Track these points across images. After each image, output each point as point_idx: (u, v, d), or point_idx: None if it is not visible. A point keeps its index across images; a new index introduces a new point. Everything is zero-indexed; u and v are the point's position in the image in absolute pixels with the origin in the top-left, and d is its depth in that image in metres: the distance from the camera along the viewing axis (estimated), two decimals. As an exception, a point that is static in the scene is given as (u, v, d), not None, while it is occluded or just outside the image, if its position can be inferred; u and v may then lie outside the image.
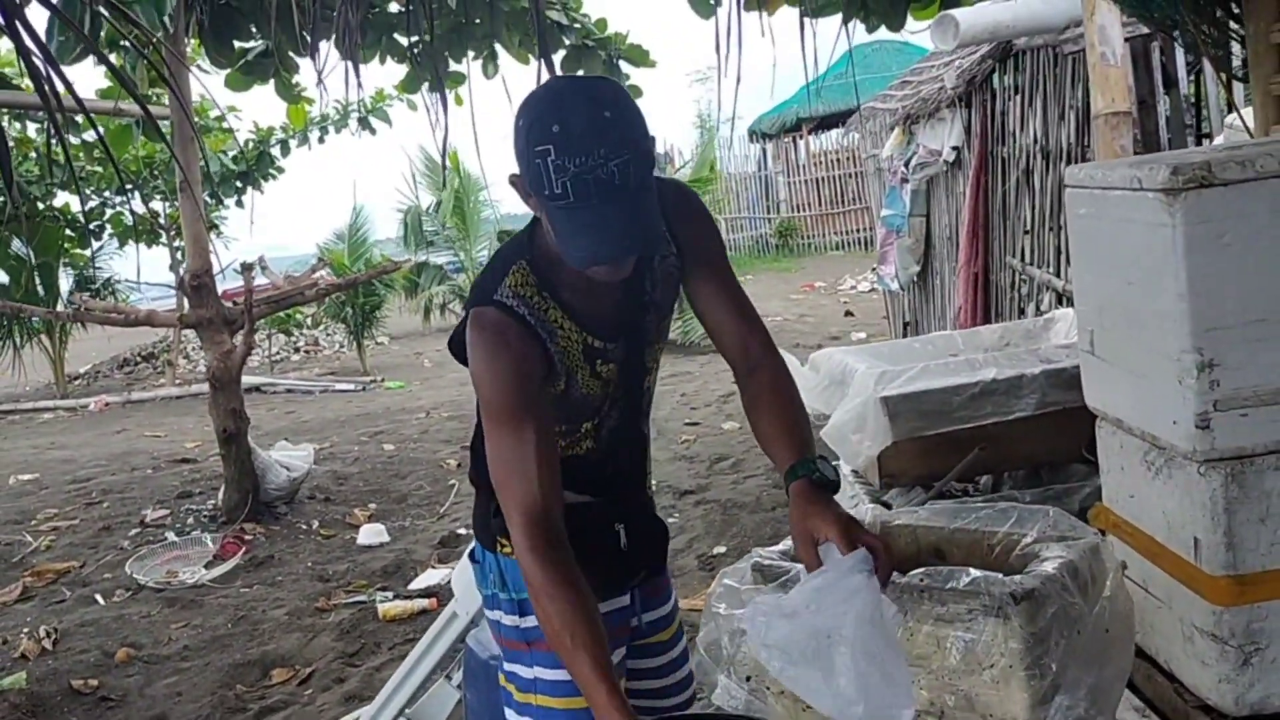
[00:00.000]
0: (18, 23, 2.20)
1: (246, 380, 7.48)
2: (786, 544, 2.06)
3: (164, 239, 12.61)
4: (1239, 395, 1.93)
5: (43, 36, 2.38)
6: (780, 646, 1.60)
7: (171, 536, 6.14)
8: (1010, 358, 3.41)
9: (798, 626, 1.58)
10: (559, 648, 1.65)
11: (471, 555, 2.04)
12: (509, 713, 1.99)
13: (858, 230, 19.05)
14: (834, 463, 1.75)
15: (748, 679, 2.04)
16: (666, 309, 1.92)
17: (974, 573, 1.80)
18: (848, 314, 12.65)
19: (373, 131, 9.02)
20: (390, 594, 5.03)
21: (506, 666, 1.98)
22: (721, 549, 5.10)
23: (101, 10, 3.19)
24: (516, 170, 1.65)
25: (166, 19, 3.75)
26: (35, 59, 2.28)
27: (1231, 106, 3.89)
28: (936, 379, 3.27)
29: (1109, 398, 2.27)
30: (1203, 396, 1.93)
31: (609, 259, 1.63)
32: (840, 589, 1.57)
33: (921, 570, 1.86)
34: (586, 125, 1.54)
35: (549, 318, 1.76)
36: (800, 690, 1.60)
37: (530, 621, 1.90)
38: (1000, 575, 1.80)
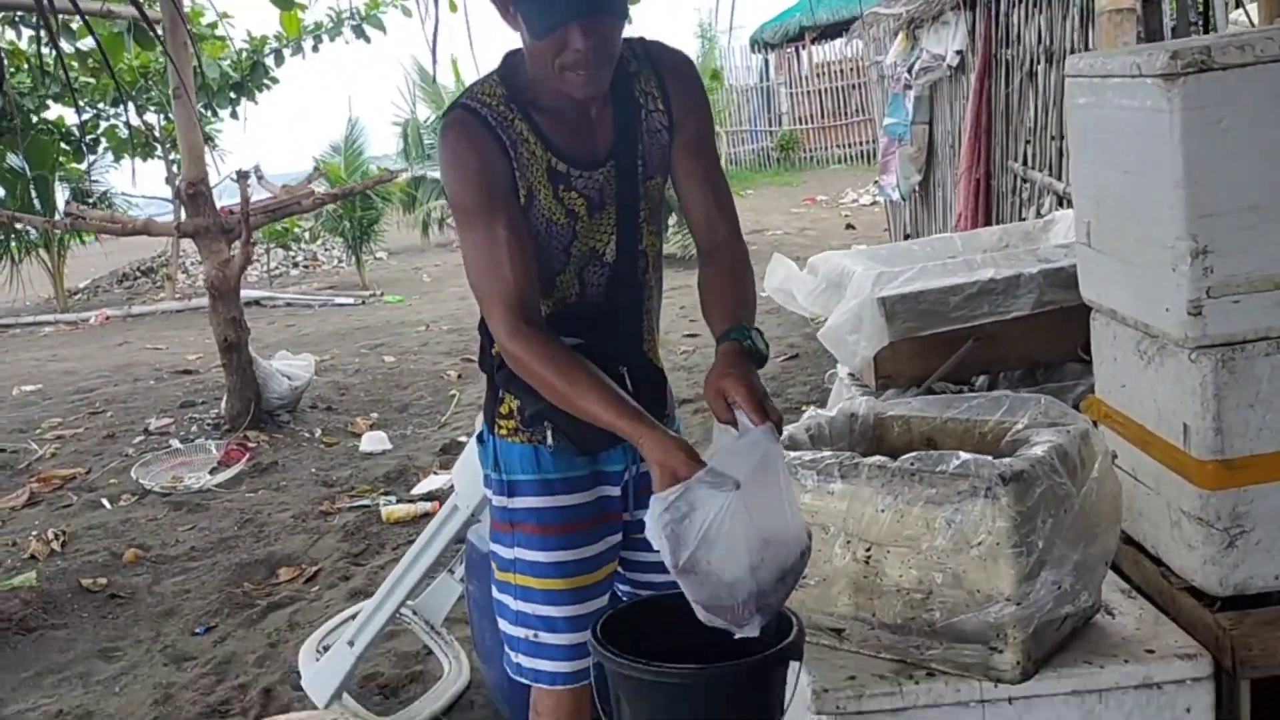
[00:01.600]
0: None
1: (245, 294, 7.48)
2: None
3: (159, 152, 12.49)
4: (1231, 282, 1.94)
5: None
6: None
7: (176, 444, 6.21)
8: (1008, 258, 3.41)
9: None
10: (569, 404, 1.71)
11: (479, 436, 2.09)
12: (492, 589, 2.06)
13: (860, 143, 18.84)
14: (766, 342, 1.79)
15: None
16: (657, 169, 1.91)
17: (964, 456, 1.84)
18: (849, 227, 12.59)
19: (367, 39, 8.88)
20: (393, 498, 5.10)
21: (490, 545, 2.04)
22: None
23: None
24: None
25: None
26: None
27: (1238, 2, 3.83)
28: (934, 279, 3.27)
29: (1104, 289, 2.28)
30: (1195, 284, 1.94)
31: (567, 16, 1.63)
32: (749, 449, 1.61)
33: (912, 454, 1.89)
34: None
35: (514, 129, 1.78)
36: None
37: (516, 503, 1.95)
38: (989, 458, 1.83)
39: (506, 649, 2.02)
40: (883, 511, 1.86)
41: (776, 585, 1.64)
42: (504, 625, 2.01)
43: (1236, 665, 1.95)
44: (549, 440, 1.88)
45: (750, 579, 1.60)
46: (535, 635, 1.95)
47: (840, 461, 1.94)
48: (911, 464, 1.86)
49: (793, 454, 1.97)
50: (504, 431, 1.95)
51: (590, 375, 1.71)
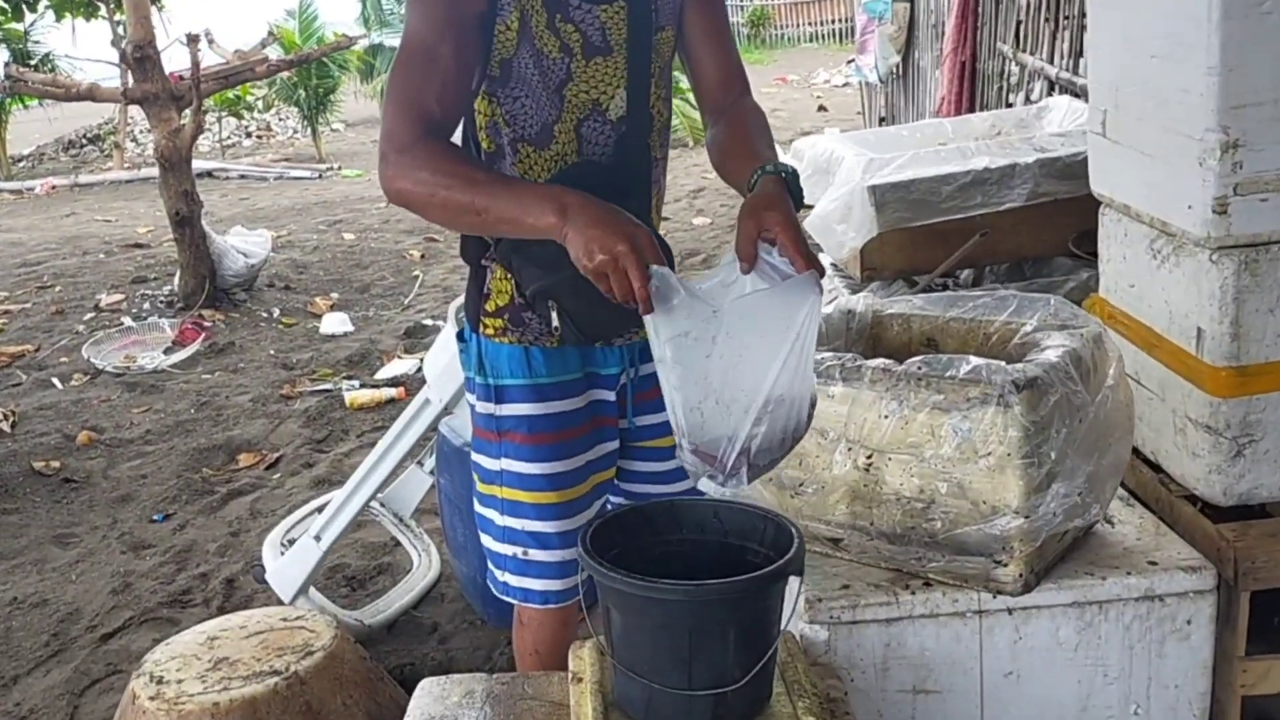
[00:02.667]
0: None
1: (198, 165, 7.19)
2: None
3: (104, 12, 11.88)
4: (1261, 179, 1.82)
5: None
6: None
7: (128, 322, 6.01)
8: (1003, 146, 3.26)
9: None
10: (482, 209, 1.48)
11: (459, 335, 1.93)
12: (474, 502, 1.94)
13: (833, 21, 18.37)
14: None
15: (733, 465, 1.99)
16: (669, 19, 1.74)
17: (974, 360, 1.73)
18: (821, 109, 12.34)
19: (323, -105, 8.37)
20: (356, 383, 4.97)
21: (473, 456, 1.90)
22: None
23: None
24: None
25: None
26: None
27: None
28: (927, 167, 3.13)
29: (1117, 183, 2.16)
30: (1223, 179, 1.82)
31: None
32: (791, 291, 1.45)
33: (919, 358, 1.79)
34: None
35: None
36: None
37: (505, 410, 1.81)
38: (1002, 363, 1.73)
39: (492, 567, 1.91)
40: (886, 417, 1.77)
41: (778, 445, 1.52)
42: (489, 542, 1.90)
43: (1238, 577, 1.90)
44: (553, 322, 1.64)
45: (747, 430, 1.48)
46: (525, 553, 1.84)
47: (842, 363, 1.84)
48: (918, 368, 1.76)
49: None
50: (491, 331, 1.79)
51: (479, 168, 1.52)
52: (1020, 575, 1.75)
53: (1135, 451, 2.22)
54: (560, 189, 1.48)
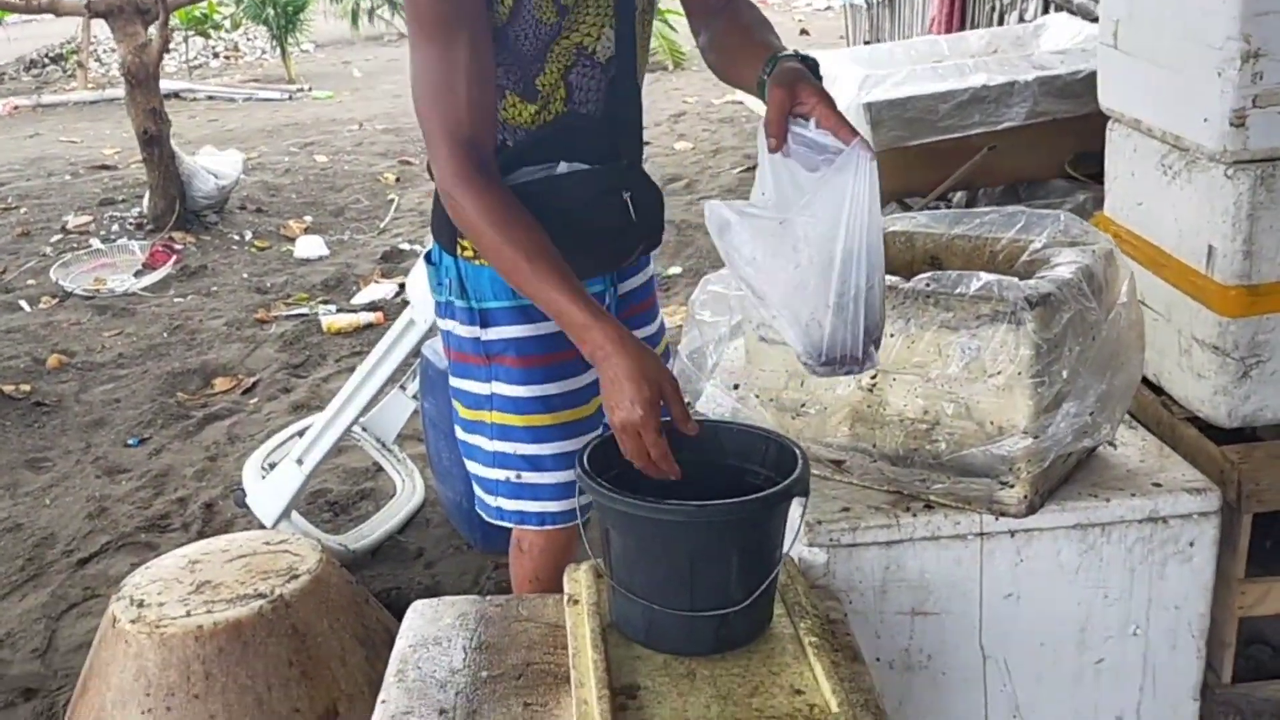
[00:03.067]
0: None
1: (165, 85, 6.97)
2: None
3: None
4: (1281, 91, 1.77)
5: None
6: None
7: (96, 244, 5.87)
8: (1001, 63, 3.18)
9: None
10: (517, 275, 1.48)
11: (428, 257, 1.85)
12: (457, 429, 1.88)
13: (814, -57, 17.98)
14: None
15: (735, 386, 1.94)
16: None
17: (985, 277, 1.68)
18: (803, 33, 12.12)
19: None
20: (333, 307, 4.88)
21: (454, 382, 1.83)
22: (677, 269, 4.99)
23: None
24: None
25: None
26: None
27: None
28: (924, 84, 3.05)
29: (1129, 96, 2.10)
30: (1242, 90, 1.77)
31: None
32: (847, 167, 1.38)
33: (927, 275, 1.73)
34: None
35: None
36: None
37: (492, 334, 1.74)
38: (1014, 279, 1.67)
39: (482, 494, 1.85)
40: (891, 336, 1.71)
41: (880, 310, 1.50)
42: (478, 469, 1.84)
43: (1241, 500, 1.89)
44: None
45: (863, 315, 1.45)
46: (518, 476, 1.78)
47: (845, 280, 1.77)
48: (926, 285, 1.70)
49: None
50: (471, 253, 1.70)
51: (547, 247, 1.47)
52: (1025, 497, 1.71)
53: (1136, 373, 2.19)
54: (601, 323, 1.44)
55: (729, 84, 1.70)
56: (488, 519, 1.88)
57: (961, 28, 5.27)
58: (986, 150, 2.89)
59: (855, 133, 1.38)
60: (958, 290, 1.67)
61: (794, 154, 1.43)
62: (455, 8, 1.46)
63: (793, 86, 1.42)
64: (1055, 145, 3.02)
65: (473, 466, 1.86)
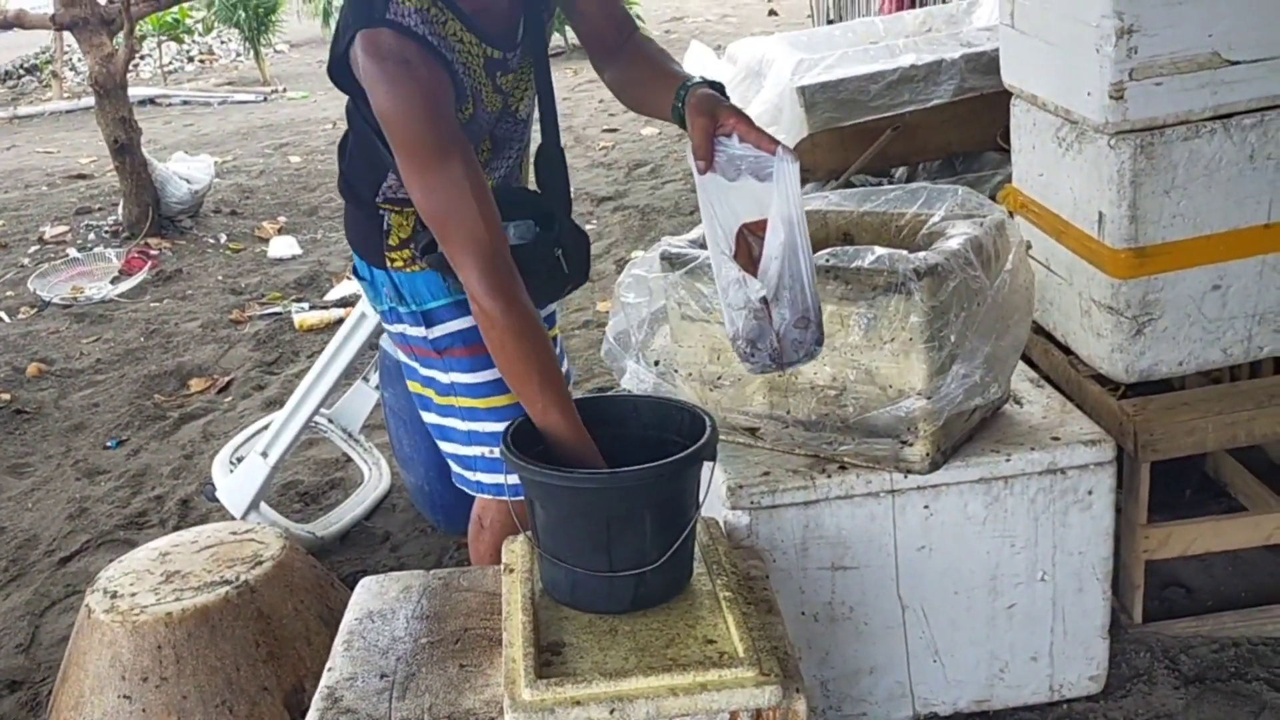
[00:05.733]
0: None
1: (139, 92, 7.06)
2: (695, 233, 2.02)
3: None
4: (1155, 63, 1.88)
5: None
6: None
7: (73, 253, 5.95)
8: (930, 43, 3.29)
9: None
10: (523, 385, 1.60)
11: (355, 273, 1.97)
12: (430, 415, 2.00)
13: (783, -78, 18.01)
14: None
15: (656, 363, 2.06)
16: (554, 4, 1.81)
17: (879, 251, 1.80)
18: (771, 13, 12.19)
19: None
20: (306, 305, 4.98)
21: (421, 373, 1.95)
22: (639, 253, 5.09)
23: None
24: None
25: None
26: None
27: None
28: (854, 66, 3.15)
29: (1025, 73, 2.21)
30: (1119, 65, 1.88)
31: None
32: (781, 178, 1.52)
33: (828, 250, 1.84)
34: None
35: (448, 31, 1.62)
36: None
37: (437, 331, 1.87)
38: (905, 253, 1.79)
39: (461, 470, 1.97)
40: (798, 309, 1.83)
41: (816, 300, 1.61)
42: (456, 449, 1.96)
43: (1138, 449, 2.00)
44: None
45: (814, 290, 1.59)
46: (490, 451, 1.90)
47: (755, 259, 1.89)
48: (826, 260, 1.82)
49: (705, 251, 1.92)
50: (400, 263, 1.83)
51: (555, 374, 1.60)
52: (927, 454, 1.83)
53: (1047, 335, 2.31)
54: (593, 448, 1.57)
55: (642, 114, 1.84)
56: (470, 493, 2.00)
57: (913, 3, 5.37)
58: (892, 130, 2.99)
59: (775, 142, 1.51)
60: (854, 264, 1.79)
61: (720, 168, 1.58)
62: (441, 132, 1.57)
63: (712, 112, 1.56)
64: (985, 119, 3.13)
65: (450, 447, 1.99)
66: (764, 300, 1.58)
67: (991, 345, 1.79)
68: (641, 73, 1.76)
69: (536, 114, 1.87)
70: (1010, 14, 2.21)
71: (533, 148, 1.92)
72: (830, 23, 8.04)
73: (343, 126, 1.83)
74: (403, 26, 1.57)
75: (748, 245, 1.59)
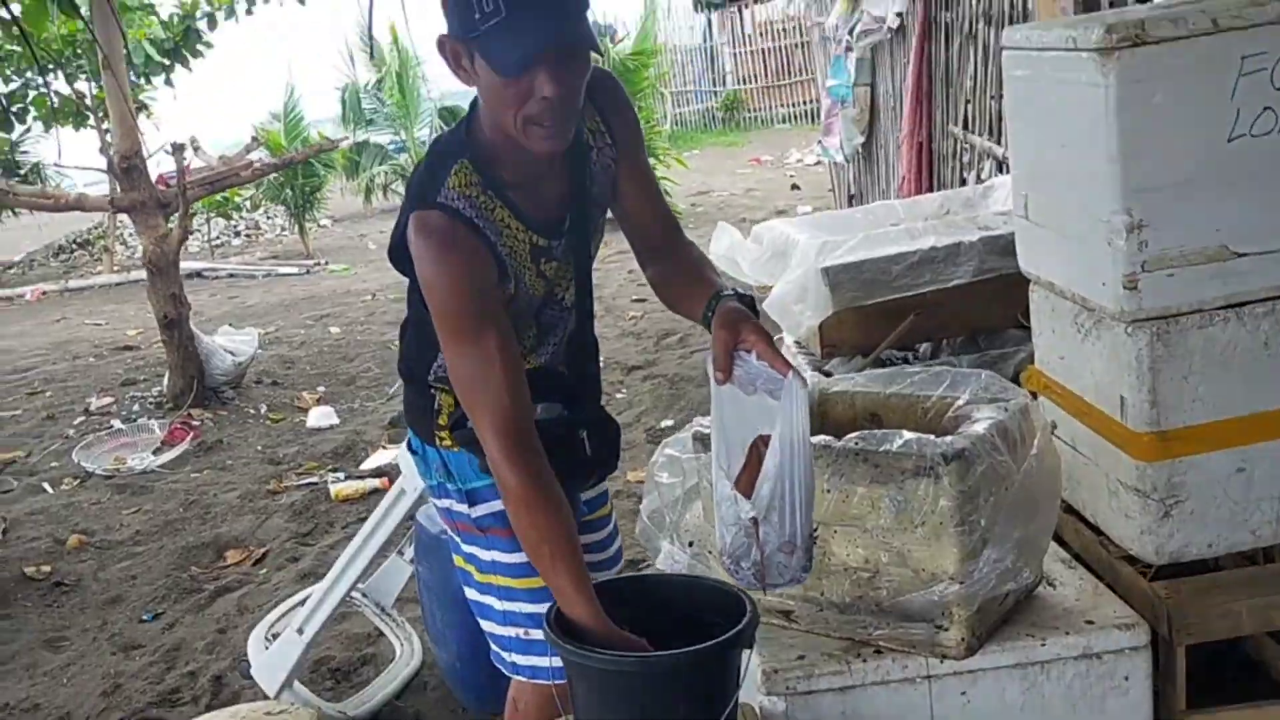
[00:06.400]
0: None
1: (187, 266, 7.35)
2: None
3: (92, 121, 12.14)
4: (1166, 256, 1.96)
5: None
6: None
7: (118, 424, 6.10)
8: (949, 226, 3.42)
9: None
10: (536, 558, 1.65)
11: (409, 446, 2.05)
12: (470, 591, 2.03)
13: (804, 102, 18.80)
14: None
15: (690, 544, 2.09)
16: (604, 203, 1.91)
17: (906, 435, 1.85)
18: (794, 187, 12.59)
19: (302, 2, 8.65)
20: (342, 474, 5.06)
21: (464, 549, 2.00)
22: (669, 422, 5.16)
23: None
24: (444, 31, 1.63)
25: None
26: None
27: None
28: (876, 248, 3.28)
29: (1041, 261, 2.30)
30: (1131, 257, 1.96)
31: (542, 45, 1.55)
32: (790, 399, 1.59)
33: (857, 434, 1.90)
34: None
35: (495, 218, 1.73)
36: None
37: (480, 510, 1.92)
38: (932, 437, 1.84)
39: (497, 649, 1.99)
40: (828, 492, 1.87)
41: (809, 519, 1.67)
42: (492, 627, 1.99)
43: (1173, 633, 2.00)
44: None
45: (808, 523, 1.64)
46: (526, 633, 1.93)
47: (785, 442, 1.94)
48: (856, 443, 1.87)
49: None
50: (448, 443, 1.91)
51: (568, 546, 1.64)
52: (962, 639, 1.84)
53: (1077, 515, 2.33)
54: (597, 620, 1.59)
55: (677, 314, 1.95)
56: (505, 673, 2.01)
57: (931, 185, 5.57)
58: (914, 315, 3.09)
59: (789, 365, 1.61)
60: (883, 447, 1.84)
61: (738, 381, 1.67)
62: (478, 306, 1.68)
63: (735, 326, 1.66)
64: (1006, 298, 3.21)
65: (487, 625, 2.02)
66: (754, 520, 1.64)
67: (1022, 529, 1.82)
68: (680, 276, 1.87)
69: None
70: (1024, 206, 2.32)
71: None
72: (851, 198, 8.32)
73: (380, 299, 1.94)
74: (451, 208, 1.69)
75: (759, 457, 1.65)
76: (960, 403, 2.02)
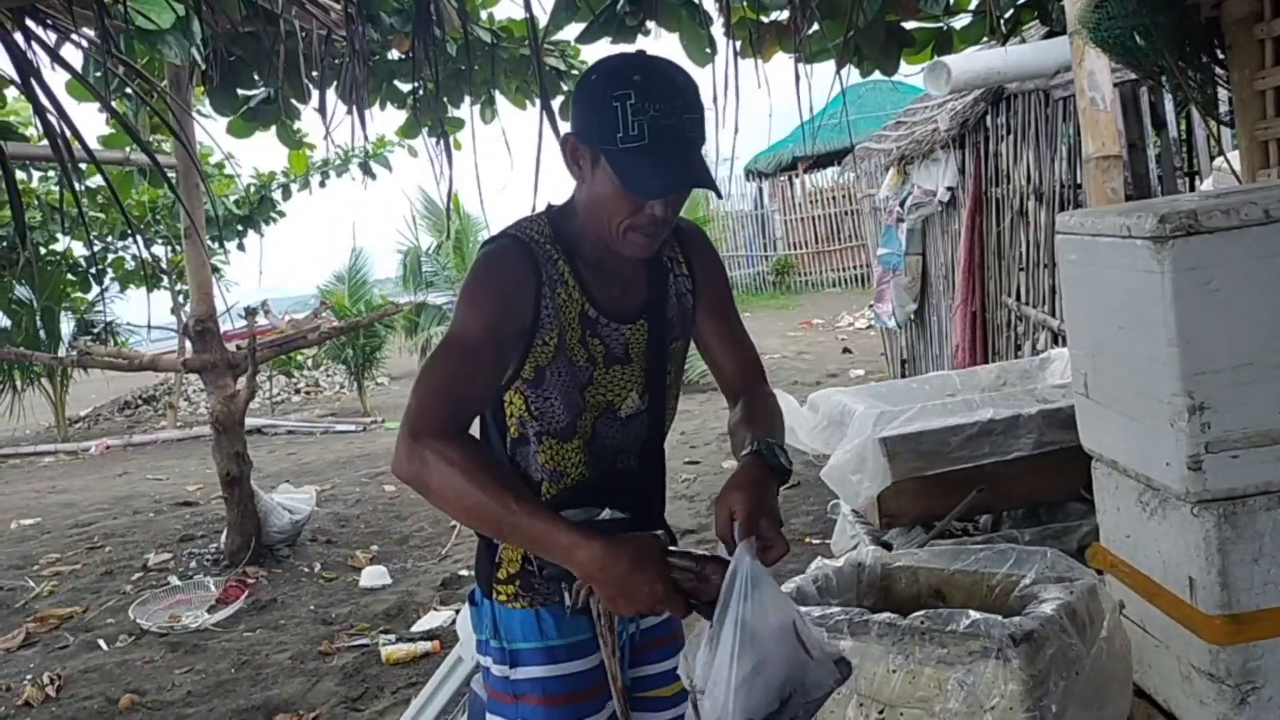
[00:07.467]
0: (35, 84, 2.27)
1: (248, 422, 7.50)
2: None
3: (165, 282, 12.67)
4: (1229, 437, 1.97)
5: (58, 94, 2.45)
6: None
7: (174, 580, 6.15)
8: (1007, 398, 3.45)
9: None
10: (501, 512, 1.59)
11: (471, 597, 2.06)
12: None
13: (854, 267, 19.15)
14: (789, 459, 1.78)
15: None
16: (681, 332, 1.95)
17: (974, 615, 1.84)
18: (845, 351, 12.70)
19: (373, 176, 9.11)
20: (393, 636, 5.03)
21: (489, 716, 1.99)
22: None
23: (114, 66, 3.26)
24: (571, 132, 1.73)
25: (178, 58, 3.76)
26: (50, 116, 2.35)
27: (1220, 148, 3.96)
28: (934, 419, 3.31)
29: (1104, 439, 2.31)
30: (1194, 439, 1.97)
31: (679, 185, 1.67)
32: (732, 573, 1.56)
33: (923, 613, 1.89)
34: (666, 79, 1.66)
35: (556, 267, 1.80)
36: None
37: (519, 674, 1.90)
38: (999, 617, 1.83)
39: None
40: (894, 671, 1.86)
41: (779, 710, 1.58)
42: None
43: (1257, 828, 1.92)
44: (567, 601, 1.77)
45: (735, 701, 1.54)
46: None
47: (850, 618, 1.95)
48: (921, 622, 1.86)
49: (800, 608, 1.97)
50: (504, 597, 1.91)
51: (517, 486, 1.64)
52: (1036, 830, 1.78)
53: (1149, 699, 2.27)
54: (586, 541, 1.57)
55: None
56: None
57: (985, 354, 5.62)
58: (977, 491, 3.09)
59: (747, 535, 1.61)
60: (949, 627, 1.83)
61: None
62: (494, 334, 1.73)
63: (728, 497, 1.68)
64: (1066, 471, 3.21)
65: None
66: (700, 692, 1.58)
67: (1094, 716, 1.78)
68: (737, 422, 1.91)
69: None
70: (1084, 385, 2.35)
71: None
72: (904, 363, 8.38)
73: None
74: (518, 238, 1.79)
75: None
76: (1026, 582, 2.01)
